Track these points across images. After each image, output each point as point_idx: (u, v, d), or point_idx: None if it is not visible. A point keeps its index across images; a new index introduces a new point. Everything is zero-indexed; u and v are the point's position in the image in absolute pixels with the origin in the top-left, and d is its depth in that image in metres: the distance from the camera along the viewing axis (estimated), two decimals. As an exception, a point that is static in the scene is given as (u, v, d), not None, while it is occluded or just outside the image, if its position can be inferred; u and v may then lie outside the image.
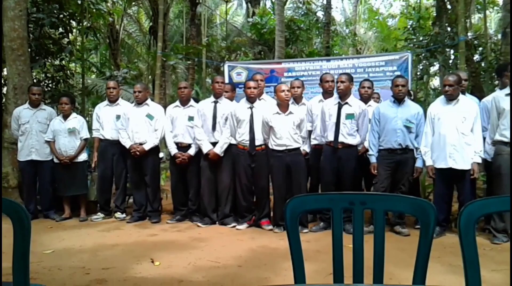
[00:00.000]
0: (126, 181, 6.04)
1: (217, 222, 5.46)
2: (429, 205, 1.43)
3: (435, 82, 19.38)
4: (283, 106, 5.06)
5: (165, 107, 12.57)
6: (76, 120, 5.98)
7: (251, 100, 5.28)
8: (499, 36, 16.45)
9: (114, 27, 16.81)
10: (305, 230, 5.01)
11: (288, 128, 5.01)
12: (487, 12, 16.08)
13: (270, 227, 5.15)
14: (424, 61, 12.47)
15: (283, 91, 5.00)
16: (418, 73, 13.13)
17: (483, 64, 12.51)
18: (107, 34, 16.71)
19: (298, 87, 5.41)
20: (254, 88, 5.26)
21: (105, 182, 6.03)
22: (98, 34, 11.41)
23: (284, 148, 5.00)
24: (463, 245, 1.39)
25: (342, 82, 5.03)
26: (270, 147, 5.10)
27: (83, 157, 5.98)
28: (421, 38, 12.45)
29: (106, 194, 6.06)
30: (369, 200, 1.49)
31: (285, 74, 7.72)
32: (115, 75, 14.22)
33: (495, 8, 18.83)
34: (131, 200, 6.20)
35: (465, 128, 4.62)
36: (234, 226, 5.28)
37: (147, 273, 3.63)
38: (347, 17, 23.75)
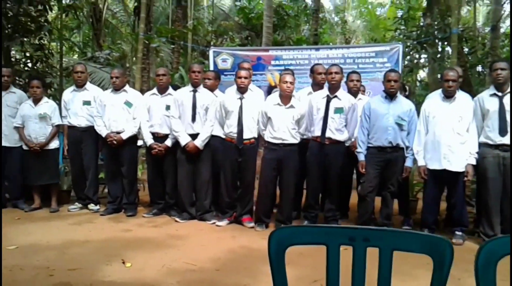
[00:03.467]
0: (97, 171, 5.74)
1: (196, 218, 5.19)
2: (446, 243, 1.18)
3: (422, 73, 19.25)
4: (284, 97, 4.79)
5: (148, 90, 12.20)
6: (47, 105, 5.61)
7: (241, 90, 4.97)
8: (487, 29, 16.36)
9: (98, 6, 16.21)
10: (288, 229, 4.79)
11: (287, 121, 4.75)
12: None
13: (252, 224, 4.90)
14: (413, 53, 12.25)
15: (286, 82, 4.72)
16: (406, 63, 12.94)
17: (470, 58, 12.36)
18: (89, 13, 16.13)
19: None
20: (245, 78, 4.93)
21: (77, 171, 5.70)
22: (79, 12, 10.91)
23: (279, 141, 4.75)
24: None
25: (336, 73, 4.78)
26: (266, 139, 4.87)
27: (54, 144, 5.61)
28: (411, 29, 12.23)
29: (81, 184, 5.72)
30: (373, 236, 1.23)
31: (272, 62, 7.43)
32: (97, 56, 13.78)
33: (485, 1, 18.70)
34: (106, 190, 5.88)
35: (461, 128, 4.42)
36: (214, 223, 5.01)
37: (116, 276, 3.35)
38: (336, 4, 23.37)
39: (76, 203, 5.68)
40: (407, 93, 5.29)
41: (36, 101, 5.57)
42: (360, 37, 21.43)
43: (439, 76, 11.73)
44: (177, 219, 5.13)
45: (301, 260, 3.71)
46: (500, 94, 4.35)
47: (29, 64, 9.32)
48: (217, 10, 18.66)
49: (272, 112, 4.77)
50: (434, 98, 4.72)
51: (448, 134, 4.42)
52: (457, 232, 4.50)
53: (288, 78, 4.75)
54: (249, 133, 4.92)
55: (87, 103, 5.58)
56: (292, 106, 4.79)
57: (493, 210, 4.35)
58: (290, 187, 4.87)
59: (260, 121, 4.90)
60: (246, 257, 3.91)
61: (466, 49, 12.56)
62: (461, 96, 4.61)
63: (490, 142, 4.37)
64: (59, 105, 5.85)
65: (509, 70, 4.32)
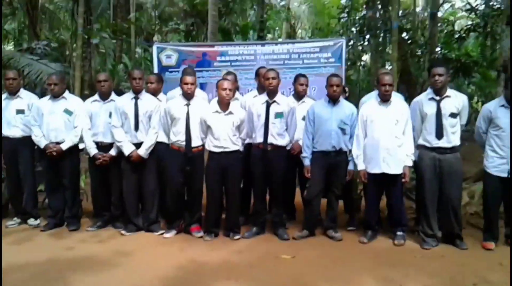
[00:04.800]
0: (35, 182, 5.48)
1: (143, 229, 5.06)
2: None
3: (364, 58, 19.61)
4: (223, 104, 4.72)
5: (90, 83, 11.61)
6: None
7: (187, 96, 4.85)
8: (425, 14, 16.88)
9: (33, -9, 15.28)
10: (237, 237, 4.79)
11: (227, 129, 4.68)
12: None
13: (201, 234, 4.85)
14: (356, 42, 12.47)
15: (225, 89, 4.64)
16: (349, 56, 13.15)
17: (410, 46, 12.70)
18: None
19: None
20: (192, 84, 4.82)
21: (14, 184, 5.40)
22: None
23: (221, 150, 4.69)
24: None
25: (273, 78, 4.77)
26: (207, 148, 4.78)
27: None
28: (354, 18, 12.45)
29: (18, 197, 5.41)
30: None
31: (218, 58, 7.30)
32: (34, 47, 13.05)
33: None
34: (47, 201, 5.61)
35: (398, 131, 4.57)
36: (162, 234, 4.93)
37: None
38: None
39: (15, 218, 5.39)
40: (346, 94, 5.38)
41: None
42: (306, 22, 21.54)
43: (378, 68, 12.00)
44: (123, 232, 4.99)
45: (251, 272, 3.73)
46: (437, 98, 4.52)
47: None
48: (161, -4, 18.13)
49: (211, 120, 4.70)
50: (371, 102, 4.81)
51: (386, 137, 4.55)
52: (398, 233, 4.68)
53: (226, 84, 4.69)
54: (198, 140, 4.83)
55: (20, 112, 5.26)
56: (231, 113, 4.74)
57: (430, 210, 4.57)
58: (236, 194, 4.86)
59: (200, 129, 4.81)
60: (194, 273, 3.88)
61: (406, 36, 12.93)
62: (396, 100, 4.74)
63: (428, 145, 4.56)
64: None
65: (446, 75, 4.48)
